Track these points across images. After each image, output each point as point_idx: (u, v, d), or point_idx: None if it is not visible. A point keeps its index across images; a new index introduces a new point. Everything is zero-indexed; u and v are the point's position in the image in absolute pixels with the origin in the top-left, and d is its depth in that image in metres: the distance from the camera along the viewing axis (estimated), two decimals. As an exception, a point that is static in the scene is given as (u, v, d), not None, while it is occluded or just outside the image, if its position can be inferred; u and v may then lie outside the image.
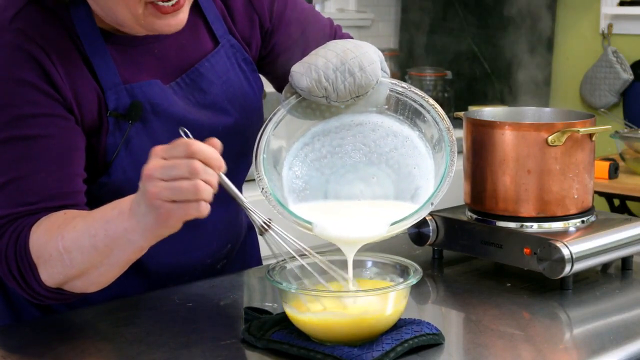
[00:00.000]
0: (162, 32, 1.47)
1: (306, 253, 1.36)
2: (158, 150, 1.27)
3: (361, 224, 1.43)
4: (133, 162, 1.52)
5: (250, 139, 1.53)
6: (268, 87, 1.77)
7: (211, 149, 1.26)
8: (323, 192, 1.47)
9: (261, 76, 1.72)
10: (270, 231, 1.31)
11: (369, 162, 1.50)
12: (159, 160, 1.25)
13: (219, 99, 1.60)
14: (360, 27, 4.55)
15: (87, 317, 1.53)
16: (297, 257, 1.36)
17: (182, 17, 1.46)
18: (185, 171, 1.23)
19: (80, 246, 1.36)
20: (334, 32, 1.75)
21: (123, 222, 1.32)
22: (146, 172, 1.26)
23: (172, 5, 1.43)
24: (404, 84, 1.52)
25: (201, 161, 1.24)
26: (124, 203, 1.34)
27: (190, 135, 1.31)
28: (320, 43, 1.58)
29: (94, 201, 1.48)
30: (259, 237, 1.88)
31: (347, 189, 1.48)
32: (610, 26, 4.08)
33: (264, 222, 1.31)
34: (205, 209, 1.26)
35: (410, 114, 1.52)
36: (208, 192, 1.25)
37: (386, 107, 1.52)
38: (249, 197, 1.40)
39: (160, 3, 1.42)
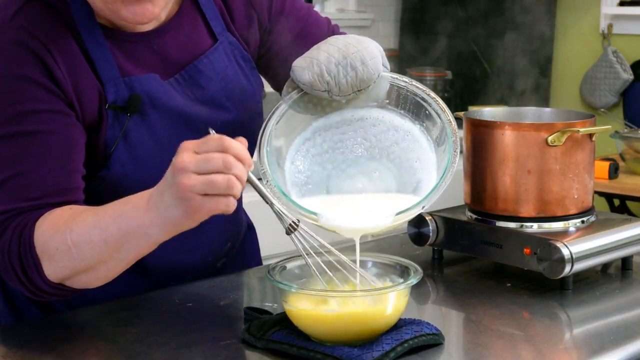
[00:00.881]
0: (129, 21, 1.47)
1: (331, 251, 1.37)
2: (189, 144, 1.28)
3: (367, 214, 1.43)
4: (131, 155, 1.52)
5: (250, 135, 1.53)
6: (268, 87, 1.77)
7: (242, 146, 1.28)
8: (325, 186, 1.48)
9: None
10: (298, 230, 1.32)
11: (370, 156, 1.50)
12: (191, 154, 1.27)
13: (217, 95, 1.61)
14: (360, 27, 4.55)
15: (87, 317, 1.53)
16: (325, 254, 1.37)
17: (150, 8, 1.46)
18: (220, 165, 1.25)
19: (90, 240, 1.36)
20: (332, 32, 1.75)
21: (139, 216, 1.33)
22: (178, 164, 1.26)
23: None
24: (405, 78, 1.52)
25: (233, 156, 1.26)
26: (139, 197, 1.35)
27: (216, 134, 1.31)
28: (318, 42, 1.59)
29: (93, 196, 1.49)
30: (257, 237, 1.90)
31: (348, 183, 1.48)
32: (610, 26, 4.09)
33: (293, 222, 1.32)
34: (233, 205, 1.28)
35: (411, 107, 1.52)
36: (238, 188, 1.27)
37: (387, 101, 1.53)
38: (250, 194, 1.40)
39: None
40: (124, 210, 1.36)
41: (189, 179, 1.26)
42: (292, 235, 1.33)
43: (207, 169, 1.26)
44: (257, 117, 1.66)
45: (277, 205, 1.33)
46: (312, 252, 1.36)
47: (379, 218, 1.41)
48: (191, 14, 1.60)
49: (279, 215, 1.33)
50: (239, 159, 1.27)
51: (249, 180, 1.30)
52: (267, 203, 1.33)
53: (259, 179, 1.35)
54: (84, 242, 1.37)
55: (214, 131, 1.32)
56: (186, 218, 1.30)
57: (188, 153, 1.27)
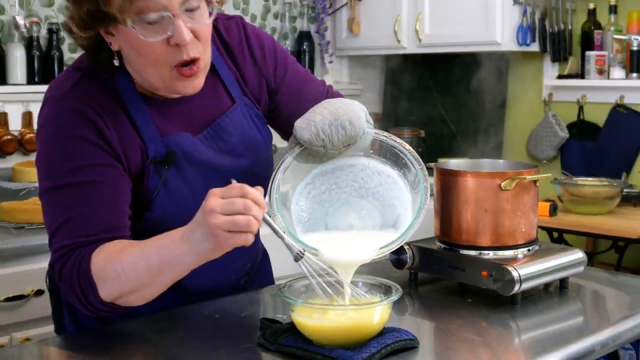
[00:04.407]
0: (181, 93, 1.49)
1: (330, 273, 1.38)
2: (216, 191, 1.29)
3: (355, 250, 1.44)
4: (170, 199, 1.53)
5: (262, 177, 1.53)
6: (279, 143, 1.77)
7: (258, 192, 1.30)
8: (324, 222, 1.48)
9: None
10: (304, 258, 1.33)
11: (359, 195, 1.50)
12: (218, 199, 1.28)
13: (237, 146, 1.61)
14: (351, 96, 4.56)
15: (135, 327, 1.53)
16: (326, 275, 1.38)
17: (197, 82, 1.49)
18: (241, 208, 1.26)
19: (136, 268, 1.37)
20: (327, 90, 1.77)
21: (176, 248, 1.34)
22: (208, 207, 1.28)
23: (190, 69, 1.45)
24: (385, 133, 1.53)
25: (252, 201, 1.27)
26: (175, 233, 1.35)
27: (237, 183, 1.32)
28: (316, 99, 1.59)
29: (141, 233, 1.49)
30: (270, 261, 1.89)
31: (342, 219, 1.48)
32: (550, 95, 4.11)
33: (299, 251, 1.33)
34: (251, 239, 1.29)
35: (391, 156, 1.52)
36: (256, 226, 1.28)
37: (372, 151, 1.53)
38: (265, 228, 1.40)
39: (182, 67, 1.45)
40: (163, 243, 1.36)
41: (217, 219, 1.27)
42: (300, 261, 1.34)
43: (231, 210, 1.26)
44: (267, 163, 1.67)
45: (287, 239, 1.34)
46: (315, 274, 1.36)
47: (367, 252, 1.42)
48: (212, 81, 1.61)
49: (288, 247, 1.34)
50: (256, 203, 1.28)
51: (264, 219, 1.31)
52: (279, 237, 1.34)
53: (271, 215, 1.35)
54: (131, 269, 1.37)
55: (235, 180, 1.34)
56: (214, 250, 1.31)
57: (215, 198, 1.28)
